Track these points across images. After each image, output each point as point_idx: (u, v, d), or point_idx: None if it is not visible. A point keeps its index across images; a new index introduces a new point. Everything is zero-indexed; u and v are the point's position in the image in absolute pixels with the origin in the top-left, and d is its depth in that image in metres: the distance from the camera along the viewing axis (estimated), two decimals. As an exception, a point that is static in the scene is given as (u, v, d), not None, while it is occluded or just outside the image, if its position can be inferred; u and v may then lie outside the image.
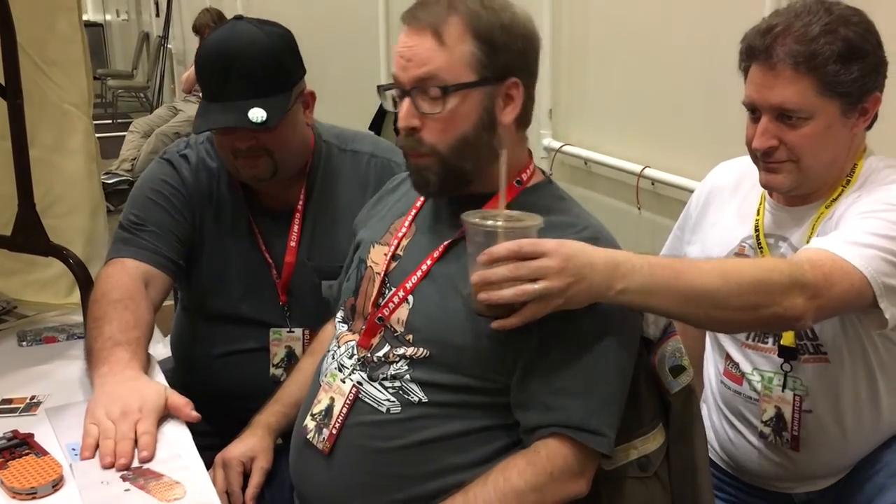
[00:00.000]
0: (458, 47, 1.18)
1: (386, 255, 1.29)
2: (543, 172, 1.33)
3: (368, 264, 1.33)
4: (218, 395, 1.58)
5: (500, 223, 1.09)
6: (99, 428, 1.21)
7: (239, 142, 1.49)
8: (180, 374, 1.67)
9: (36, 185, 1.57)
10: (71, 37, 1.68)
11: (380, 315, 1.25)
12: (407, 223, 1.31)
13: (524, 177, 1.27)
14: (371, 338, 1.25)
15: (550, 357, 1.15)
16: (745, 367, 1.47)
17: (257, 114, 1.44)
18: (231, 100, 1.46)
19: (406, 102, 1.20)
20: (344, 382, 1.26)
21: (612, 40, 2.64)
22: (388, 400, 1.21)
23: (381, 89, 1.27)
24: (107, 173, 5.45)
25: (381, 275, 1.28)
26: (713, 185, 1.57)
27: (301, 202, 1.61)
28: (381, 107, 1.66)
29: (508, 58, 1.20)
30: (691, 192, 1.66)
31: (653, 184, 2.46)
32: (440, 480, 1.18)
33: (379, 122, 3.89)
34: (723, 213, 1.52)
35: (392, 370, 1.22)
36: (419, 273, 1.24)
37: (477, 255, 1.09)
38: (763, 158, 1.36)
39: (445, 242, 1.24)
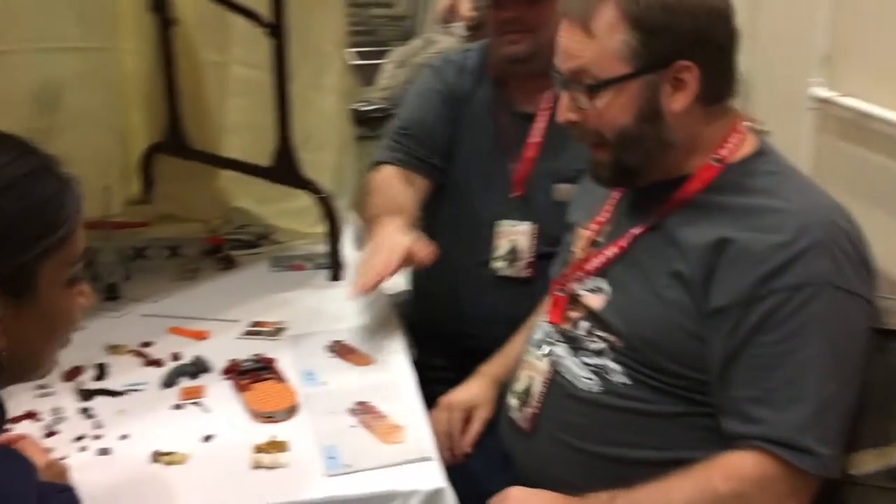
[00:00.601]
0: (608, 38, 1.09)
1: (587, 240, 1.25)
2: (762, 136, 1.19)
3: (572, 249, 1.29)
4: (453, 315, 1.68)
5: None
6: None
7: (505, 12, 1.57)
8: (416, 302, 1.79)
9: (293, 121, 1.65)
10: (332, -24, 1.73)
11: (574, 295, 1.23)
12: (608, 207, 1.25)
13: (723, 152, 1.14)
14: (562, 313, 1.24)
15: (750, 362, 1.05)
16: None
17: None
18: None
19: (565, 95, 1.14)
20: (541, 360, 1.24)
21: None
22: (588, 378, 1.17)
23: (552, 73, 1.18)
24: (363, 101, 5.71)
25: (581, 261, 1.24)
26: None
27: (548, 105, 1.61)
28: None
29: (673, 41, 1.08)
30: None
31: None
32: (637, 462, 1.14)
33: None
34: None
35: (593, 346, 1.18)
36: (602, 259, 1.19)
37: None
38: None
39: (634, 233, 1.17)
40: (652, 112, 1.10)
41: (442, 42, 5.70)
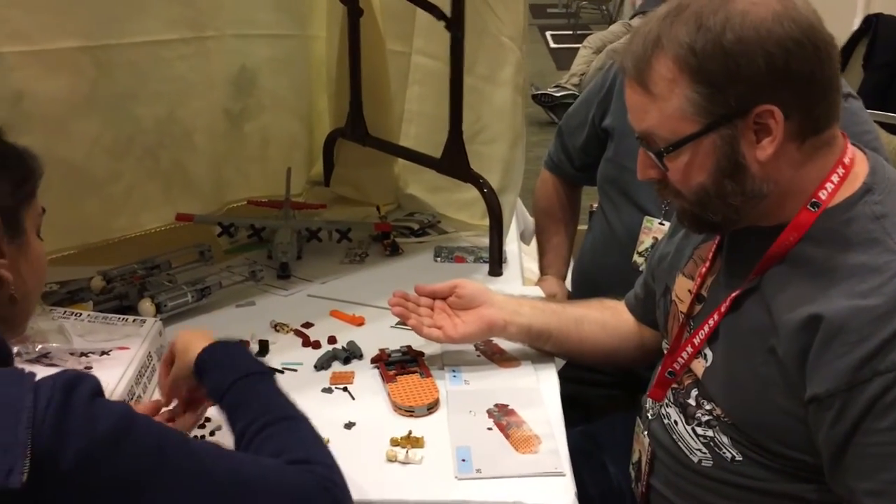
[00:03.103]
0: (668, 96, 0.97)
1: (690, 291, 1.15)
2: (875, 163, 1.03)
3: (673, 298, 1.20)
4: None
5: None
6: None
7: None
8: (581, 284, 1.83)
9: (467, 112, 1.66)
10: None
11: (670, 370, 1.15)
12: (710, 254, 1.14)
13: (822, 195, 1.00)
14: (662, 390, 1.16)
15: (863, 451, 0.93)
16: None
17: None
18: None
19: (641, 152, 1.04)
20: (644, 436, 1.20)
21: None
22: (701, 451, 1.10)
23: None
24: (556, 86, 5.65)
25: (684, 316, 1.15)
26: None
27: None
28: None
29: (745, 85, 0.94)
30: None
31: None
32: None
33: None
34: None
35: (702, 417, 1.10)
36: (706, 328, 1.09)
37: None
38: None
39: (733, 294, 1.05)
40: (733, 166, 0.98)
41: (642, 28, 5.55)
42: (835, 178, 1.01)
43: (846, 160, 1.02)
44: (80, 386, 0.74)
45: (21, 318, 0.94)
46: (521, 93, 1.75)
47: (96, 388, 0.76)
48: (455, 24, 1.59)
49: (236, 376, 1.00)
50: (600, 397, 1.72)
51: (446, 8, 1.58)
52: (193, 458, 0.80)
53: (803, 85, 0.95)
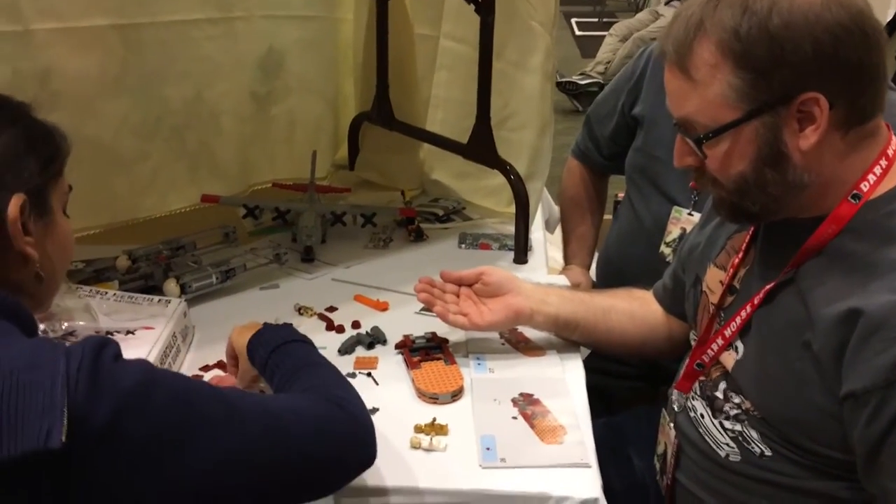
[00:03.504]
0: (710, 82, 0.95)
1: (722, 282, 1.13)
2: None
3: (703, 289, 1.18)
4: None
5: None
6: None
7: None
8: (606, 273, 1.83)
9: (495, 98, 1.64)
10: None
11: (699, 361, 1.13)
12: (744, 245, 1.11)
13: (864, 187, 0.97)
14: (690, 382, 1.15)
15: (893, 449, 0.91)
16: None
17: None
18: None
19: (679, 139, 1.02)
20: (671, 428, 1.18)
21: None
22: (728, 445, 1.08)
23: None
24: (581, 73, 5.61)
25: (715, 308, 1.13)
26: None
27: None
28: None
29: (790, 72, 0.92)
30: None
31: None
32: None
33: None
34: None
35: (730, 411, 1.08)
36: (738, 320, 1.07)
37: None
38: None
39: (767, 287, 1.03)
40: (774, 155, 0.96)
41: (668, 16, 5.48)
42: (877, 170, 0.98)
43: (890, 151, 0.99)
44: (106, 348, 0.77)
45: (47, 294, 0.95)
46: (551, 80, 1.73)
47: (118, 352, 0.79)
48: (485, 7, 1.56)
49: (276, 344, 1.08)
50: (624, 389, 1.71)
51: (476, -9, 1.57)
52: (220, 400, 0.83)
53: (850, 72, 0.93)
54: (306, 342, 1.12)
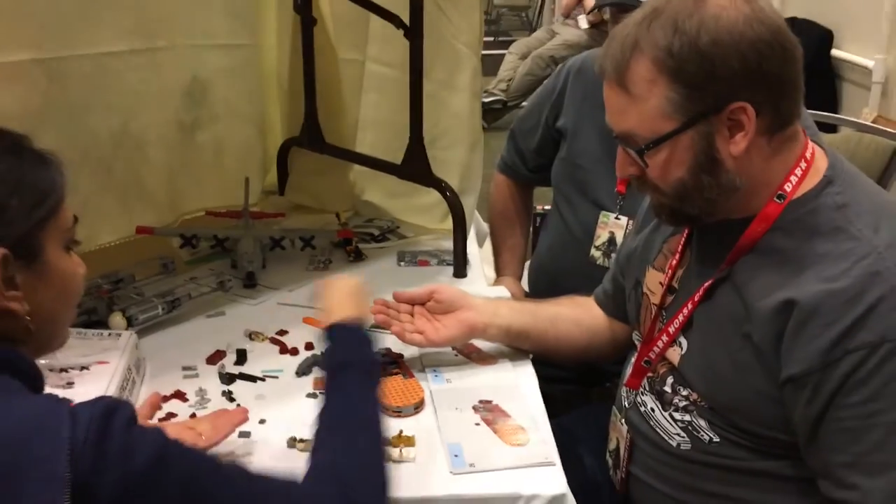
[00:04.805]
0: (648, 96, 1.03)
1: (662, 283, 1.21)
2: (833, 158, 1.10)
3: (644, 291, 1.26)
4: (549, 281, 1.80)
5: None
6: None
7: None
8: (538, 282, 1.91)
9: (425, 117, 1.69)
10: (467, -24, 1.75)
11: (646, 359, 1.21)
12: (680, 247, 1.20)
13: (788, 187, 1.07)
14: (638, 379, 1.22)
15: (837, 426, 1.00)
16: None
17: None
18: None
19: (620, 150, 1.10)
20: (622, 424, 1.25)
21: None
22: (679, 435, 1.16)
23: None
24: (484, 92, 5.73)
25: (657, 308, 1.21)
26: None
27: None
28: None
29: (720, 84, 1.00)
30: None
31: None
32: None
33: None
34: None
35: (679, 403, 1.16)
36: (680, 318, 1.15)
37: None
38: None
39: (705, 284, 1.12)
40: (709, 161, 1.04)
41: (564, 34, 5.68)
42: (798, 171, 1.08)
43: (807, 154, 1.09)
44: (117, 414, 0.74)
45: (49, 338, 0.90)
46: (478, 98, 1.80)
47: (132, 416, 0.76)
48: (413, 31, 1.62)
49: (345, 362, 1.05)
50: (558, 392, 1.77)
51: (403, 15, 1.61)
52: (226, 485, 0.80)
53: (773, 83, 1.02)
54: (372, 372, 1.07)
